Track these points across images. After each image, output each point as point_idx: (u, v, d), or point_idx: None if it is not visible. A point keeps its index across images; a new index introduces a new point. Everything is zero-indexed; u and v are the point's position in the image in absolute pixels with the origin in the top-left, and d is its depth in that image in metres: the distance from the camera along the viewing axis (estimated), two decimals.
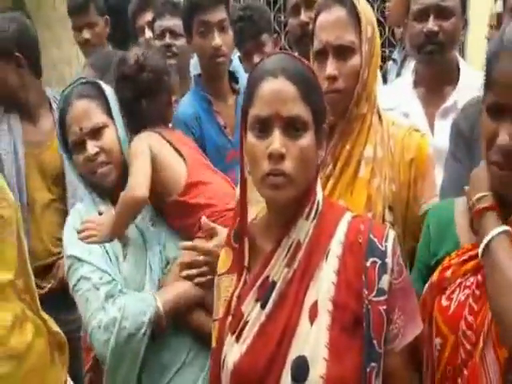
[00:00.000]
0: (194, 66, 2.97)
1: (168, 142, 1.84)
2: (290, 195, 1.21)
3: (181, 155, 1.84)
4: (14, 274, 1.65)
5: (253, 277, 1.28)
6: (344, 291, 1.22)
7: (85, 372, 1.87)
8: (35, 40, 2.66)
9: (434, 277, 1.32)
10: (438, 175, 1.86)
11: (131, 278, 1.73)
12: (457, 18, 2.31)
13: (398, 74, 3.23)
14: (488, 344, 1.16)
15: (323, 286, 1.22)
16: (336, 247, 1.25)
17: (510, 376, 1.14)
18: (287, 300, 1.23)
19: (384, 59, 3.15)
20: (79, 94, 1.81)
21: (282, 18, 5.57)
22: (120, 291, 1.66)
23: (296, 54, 1.78)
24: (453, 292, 1.26)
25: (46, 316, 1.82)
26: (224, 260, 1.38)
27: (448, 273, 1.29)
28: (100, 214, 1.81)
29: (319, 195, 1.31)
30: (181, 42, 2.77)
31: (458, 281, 1.26)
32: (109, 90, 1.85)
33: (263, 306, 1.23)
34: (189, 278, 1.71)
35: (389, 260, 1.23)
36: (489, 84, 1.21)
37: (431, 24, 2.27)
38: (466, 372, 1.20)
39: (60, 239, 1.93)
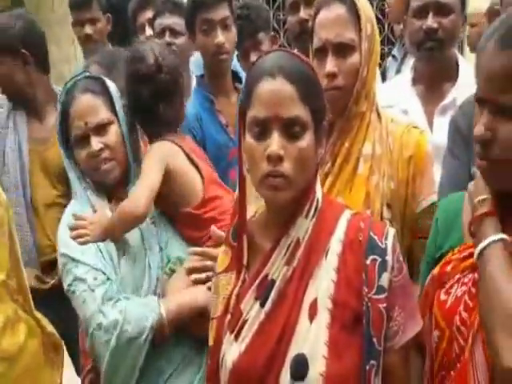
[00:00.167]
0: (194, 64, 2.98)
1: (183, 151, 1.82)
2: (288, 196, 1.21)
3: (195, 166, 1.82)
4: (5, 274, 1.64)
5: (252, 275, 1.27)
6: (344, 289, 1.21)
7: (84, 374, 1.85)
8: (42, 37, 2.66)
9: (436, 270, 1.33)
10: (437, 172, 1.86)
11: (129, 276, 1.71)
12: (456, 15, 2.31)
13: (398, 71, 3.23)
14: (477, 341, 1.17)
15: (323, 284, 1.22)
16: (336, 245, 1.25)
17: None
18: (286, 298, 1.22)
19: (383, 57, 3.14)
20: (84, 88, 1.77)
21: (281, 16, 5.57)
22: (118, 292, 1.65)
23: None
24: (451, 287, 1.27)
25: (39, 316, 1.81)
26: (222, 259, 1.37)
27: (448, 268, 1.29)
28: (94, 211, 1.77)
29: (318, 193, 1.30)
30: (180, 40, 2.77)
31: (457, 276, 1.27)
32: (113, 87, 1.81)
33: (262, 305, 1.23)
34: (197, 282, 1.68)
35: (389, 258, 1.23)
36: (476, 79, 1.25)
37: (430, 21, 2.28)
38: (458, 366, 1.21)
39: None
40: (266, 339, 1.21)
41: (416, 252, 1.70)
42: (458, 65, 2.40)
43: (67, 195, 2.58)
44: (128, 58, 1.83)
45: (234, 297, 1.29)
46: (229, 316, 1.29)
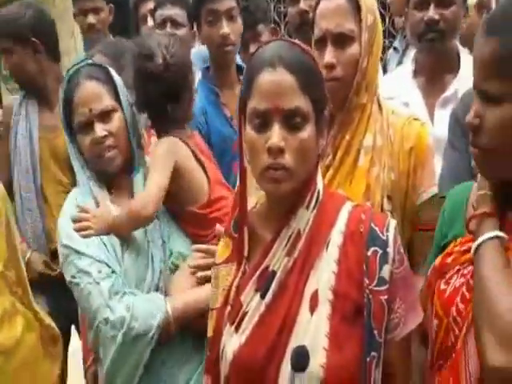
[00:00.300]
0: (194, 56, 2.96)
1: (190, 150, 1.82)
2: (289, 188, 1.20)
3: (201, 166, 1.82)
4: (2, 264, 1.63)
5: (252, 267, 1.27)
6: (345, 280, 1.21)
7: (87, 366, 1.85)
8: (51, 25, 2.68)
9: (437, 260, 1.33)
10: (438, 165, 1.85)
11: (132, 269, 1.70)
12: (457, 7, 2.30)
13: (400, 63, 3.22)
14: (470, 332, 1.17)
15: (323, 276, 1.21)
16: (337, 236, 1.24)
17: None
18: (287, 290, 1.22)
19: (383, 50, 3.13)
20: (88, 75, 1.75)
21: (282, 8, 5.56)
22: (123, 285, 1.64)
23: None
24: (451, 277, 1.27)
25: (38, 309, 1.80)
26: (223, 250, 1.37)
27: (449, 259, 1.30)
28: (97, 202, 1.76)
29: (319, 185, 1.30)
30: (181, 31, 2.76)
31: (457, 267, 1.27)
32: (116, 76, 1.80)
33: (263, 296, 1.23)
34: (202, 279, 1.67)
35: (390, 249, 1.23)
36: None
37: (432, 12, 2.27)
38: (453, 355, 1.22)
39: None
40: (266, 331, 1.21)
41: (416, 244, 1.70)
42: (459, 56, 2.39)
43: (76, 182, 2.63)
44: (135, 53, 1.82)
45: (234, 288, 1.28)
46: (229, 307, 1.28)
